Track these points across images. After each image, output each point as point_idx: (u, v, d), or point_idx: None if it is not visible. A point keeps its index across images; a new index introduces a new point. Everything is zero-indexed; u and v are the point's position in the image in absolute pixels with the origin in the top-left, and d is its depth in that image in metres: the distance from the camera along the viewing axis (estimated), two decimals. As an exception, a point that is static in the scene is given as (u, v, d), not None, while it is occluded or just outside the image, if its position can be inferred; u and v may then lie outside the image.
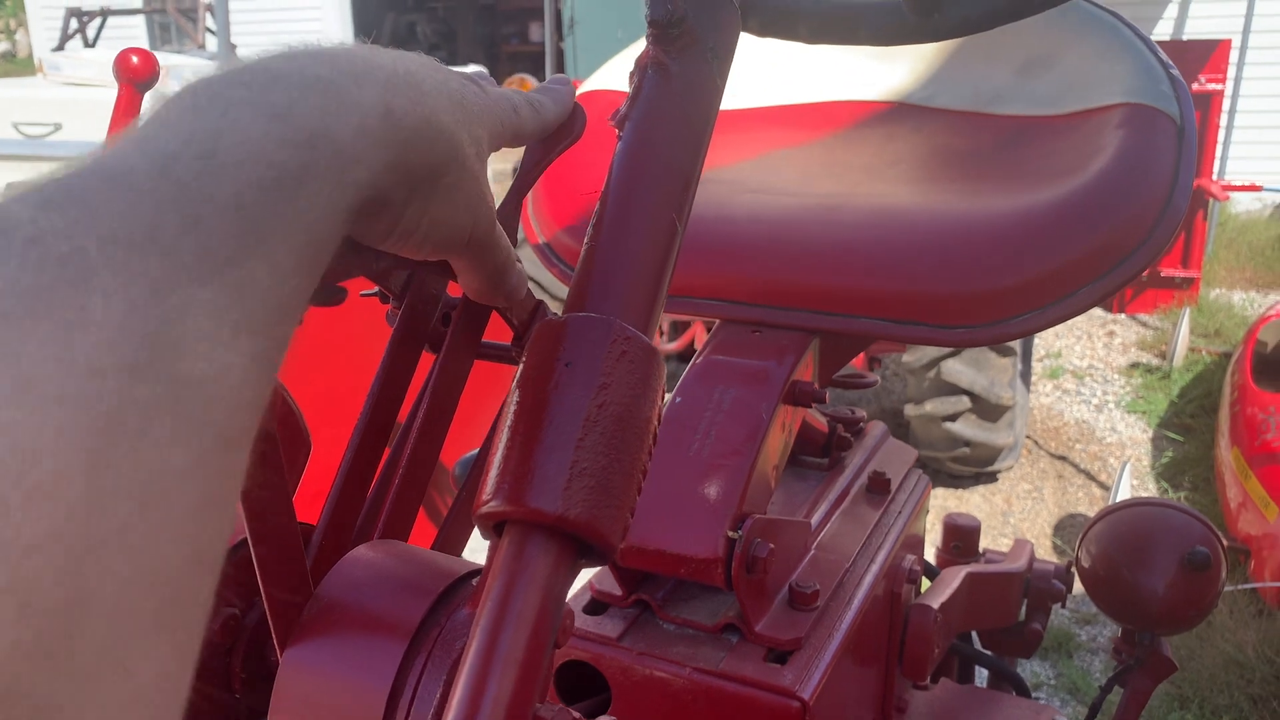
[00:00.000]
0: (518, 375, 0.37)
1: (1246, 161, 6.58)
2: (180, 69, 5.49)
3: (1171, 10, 7.12)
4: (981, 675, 1.46)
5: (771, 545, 0.75)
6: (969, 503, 3.58)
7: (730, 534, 0.75)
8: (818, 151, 1.10)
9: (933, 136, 1.08)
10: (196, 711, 0.43)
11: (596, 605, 0.82)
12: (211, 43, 7.74)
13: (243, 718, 0.45)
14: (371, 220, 0.37)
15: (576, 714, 0.38)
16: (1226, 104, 5.65)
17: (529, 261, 3.09)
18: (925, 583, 1.08)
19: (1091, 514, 3.43)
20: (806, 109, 1.17)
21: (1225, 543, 1.07)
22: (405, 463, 0.46)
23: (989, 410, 3.33)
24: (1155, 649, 1.08)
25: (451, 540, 0.49)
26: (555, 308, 0.47)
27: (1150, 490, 3.64)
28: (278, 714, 0.39)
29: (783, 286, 0.90)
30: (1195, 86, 4.93)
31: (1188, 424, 4.08)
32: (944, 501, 3.55)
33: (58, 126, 4.98)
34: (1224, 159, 6.14)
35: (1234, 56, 5.78)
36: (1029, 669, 2.70)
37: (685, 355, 3.91)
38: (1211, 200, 5.14)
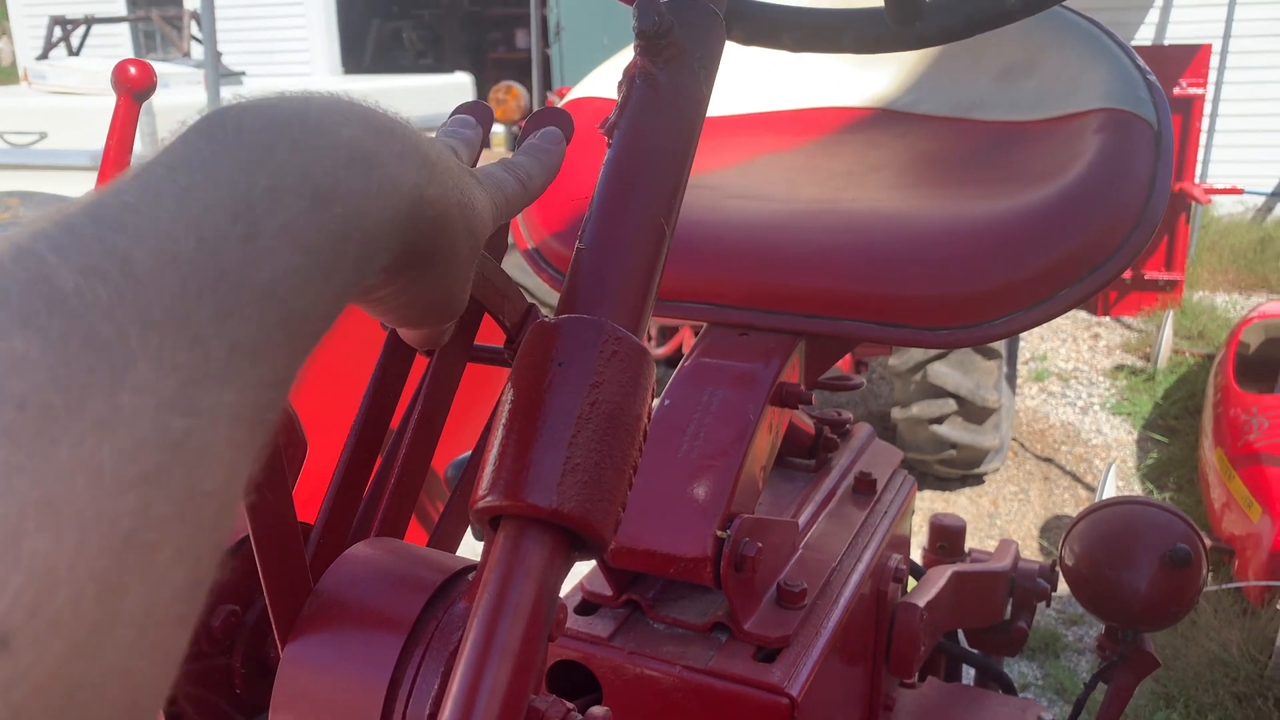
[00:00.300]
0: (512, 375, 0.38)
1: (1228, 165, 6.63)
2: (166, 77, 5.48)
3: (1153, 16, 7.19)
4: (970, 675, 1.47)
5: (759, 544, 0.77)
6: (956, 504, 3.60)
7: (718, 533, 0.76)
8: (803, 157, 1.12)
9: (916, 142, 1.10)
10: (199, 707, 0.44)
11: (587, 606, 0.83)
12: (197, 50, 7.73)
13: (244, 713, 0.46)
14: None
15: (569, 705, 0.39)
16: (1208, 108, 5.71)
17: (518, 268, 3.10)
18: (913, 582, 1.09)
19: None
20: (792, 115, 1.19)
21: (1206, 540, 1.09)
22: (400, 463, 0.47)
23: (975, 413, 3.36)
24: (1138, 645, 1.10)
25: (446, 538, 0.50)
26: (545, 312, 0.48)
27: (1135, 491, 3.67)
28: (279, 708, 0.40)
29: (768, 290, 0.92)
30: (1177, 91, 4.98)
31: (1172, 425, 4.12)
32: (931, 504, 3.57)
33: (43, 135, 4.97)
34: (1206, 162, 6.20)
35: (1215, 61, 5.84)
36: (1017, 669, 2.72)
37: (673, 360, 3.92)
38: (1194, 203, 5.18)
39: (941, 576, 1.07)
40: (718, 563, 0.75)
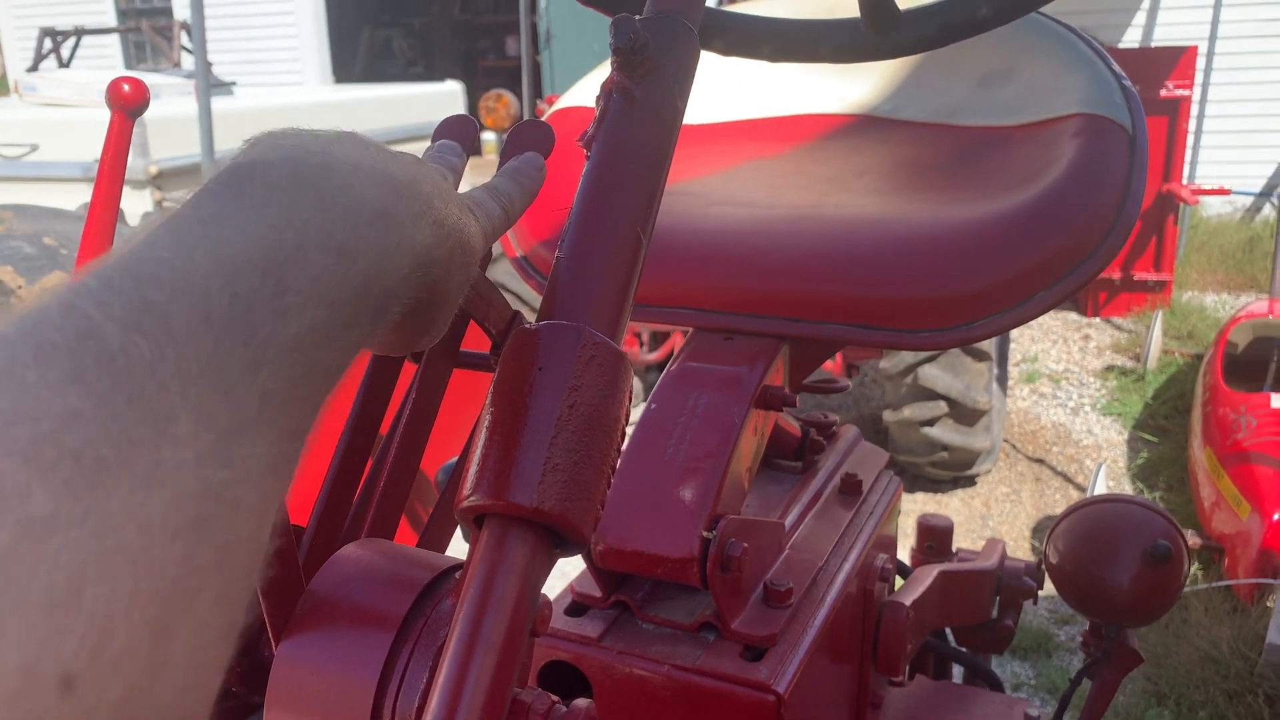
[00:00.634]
0: (495, 379, 0.40)
1: (1215, 166, 6.67)
2: (156, 88, 5.49)
3: (1140, 18, 7.23)
4: (960, 675, 1.49)
5: (745, 544, 0.78)
6: (948, 506, 3.62)
7: (704, 534, 0.77)
8: (787, 164, 1.14)
9: (898, 148, 1.11)
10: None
11: (577, 607, 0.84)
12: (187, 61, 7.74)
13: (240, 712, 0.47)
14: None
15: (554, 698, 0.41)
16: (1195, 109, 5.74)
17: (509, 274, 3.11)
18: (900, 582, 1.11)
19: (1069, 515, 3.46)
20: (776, 122, 1.20)
21: (1188, 537, 1.10)
22: (389, 466, 0.48)
23: (966, 414, 3.37)
24: (1122, 641, 1.12)
25: (435, 539, 0.51)
26: (533, 318, 0.49)
27: (1126, 491, 3.69)
28: (273, 705, 0.41)
29: (753, 295, 0.93)
30: (1164, 92, 5.02)
31: (1162, 425, 4.14)
32: (923, 505, 3.59)
33: (34, 147, 4.97)
34: (1193, 163, 6.23)
35: (1201, 63, 5.88)
36: (1009, 669, 2.73)
37: (665, 365, 3.93)
38: (1182, 204, 5.22)
39: (928, 575, 1.09)
40: (704, 563, 0.77)
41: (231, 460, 0.25)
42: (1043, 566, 1.22)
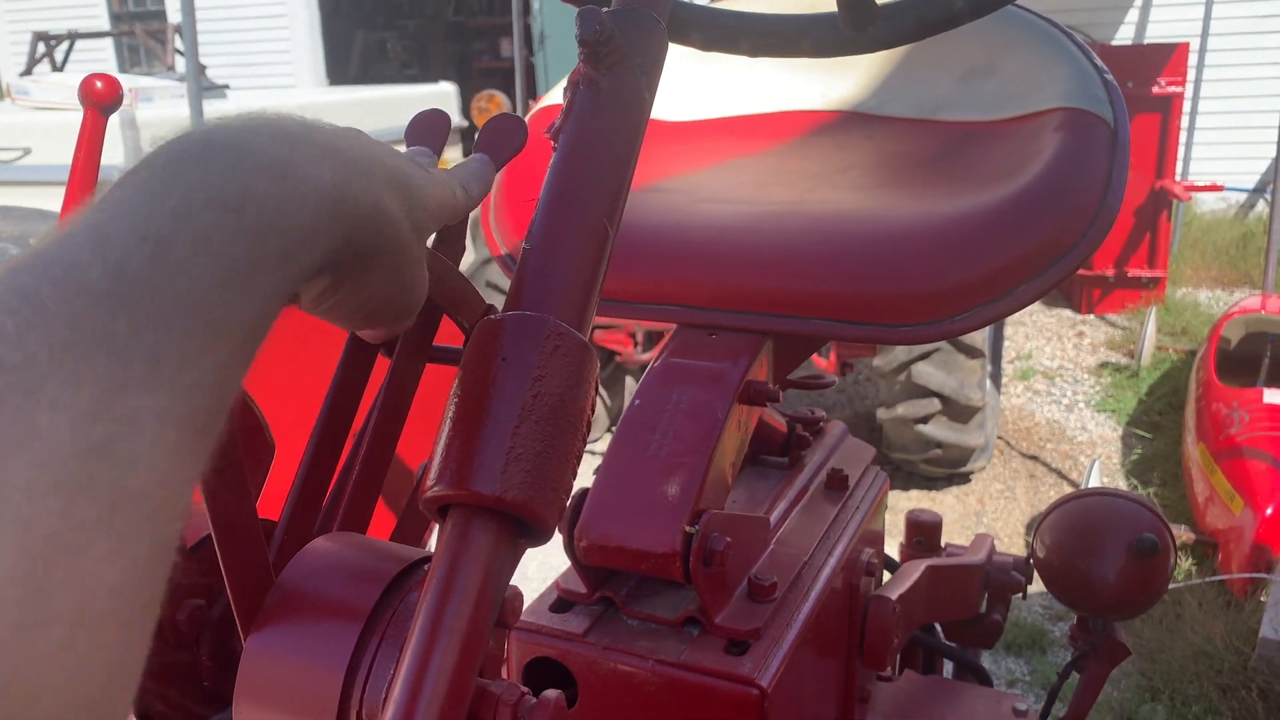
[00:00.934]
0: (459, 371, 0.40)
1: (1208, 162, 6.69)
2: (150, 91, 5.49)
3: (1132, 15, 7.25)
4: (950, 671, 1.49)
5: (728, 539, 0.78)
6: (942, 503, 3.63)
7: (687, 529, 0.77)
8: (771, 160, 1.14)
9: (882, 144, 1.12)
10: (166, 699, 0.45)
11: (562, 603, 0.84)
12: (180, 64, 7.73)
13: (213, 706, 0.47)
14: (306, 292, 0.38)
15: (525, 689, 0.41)
16: (1187, 106, 5.75)
17: (502, 276, 3.11)
18: (889, 577, 1.11)
19: (1063, 512, 3.47)
20: (760, 119, 1.21)
21: (1173, 530, 1.11)
22: (362, 461, 0.48)
23: (959, 412, 3.38)
24: (1109, 634, 1.12)
25: (409, 533, 0.51)
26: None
27: (1120, 488, 3.70)
28: (242, 697, 0.41)
29: (737, 291, 0.93)
30: (1156, 89, 5.03)
31: (1156, 421, 4.15)
32: (918, 503, 3.59)
33: (27, 151, 4.96)
34: (1186, 160, 6.25)
35: (1193, 59, 5.89)
36: (1003, 665, 2.74)
37: (660, 365, 3.93)
38: (1175, 201, 5.23)
39: (915, 570, 1.09)
40: (686, 558, 0.77)
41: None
42: (1031, 561, 1.23)
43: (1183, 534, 3.12)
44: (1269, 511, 2.79)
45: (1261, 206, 6.92)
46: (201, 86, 4.28)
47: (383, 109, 6.16)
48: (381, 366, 0.52)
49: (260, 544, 0.42)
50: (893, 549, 1.42)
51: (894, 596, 0.99)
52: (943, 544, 1.39)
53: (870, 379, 4.32)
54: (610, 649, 0.79)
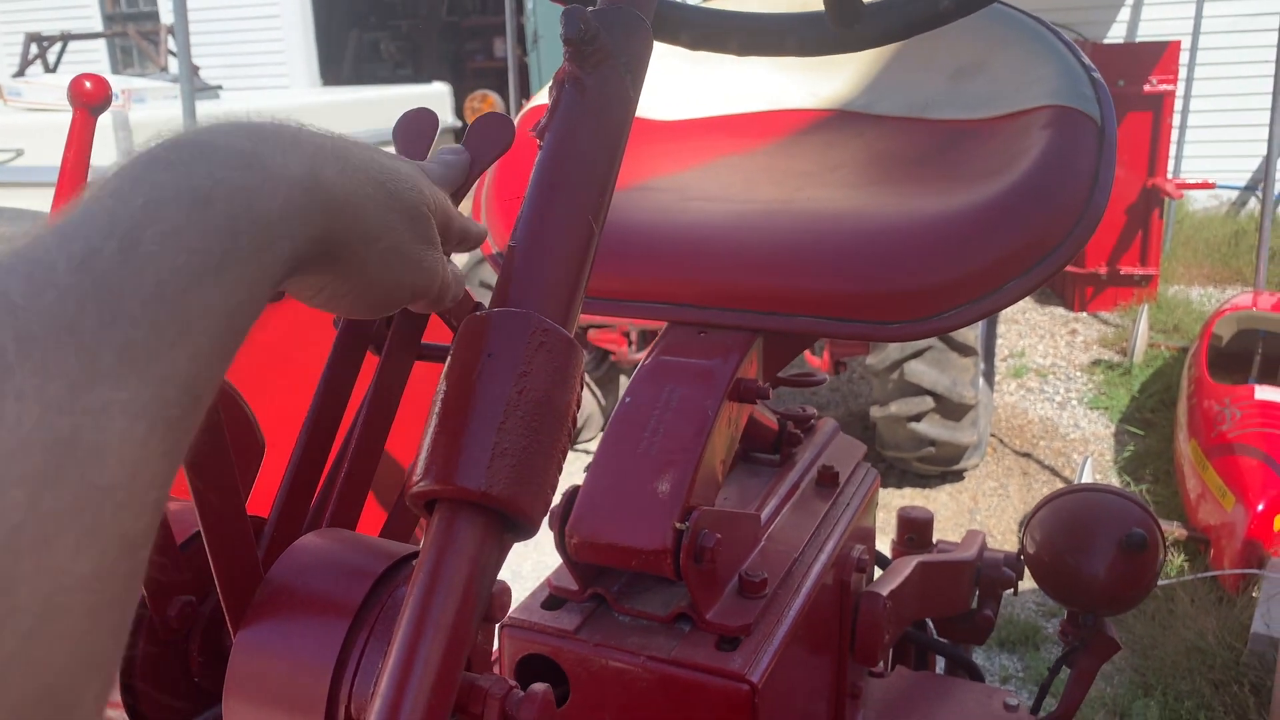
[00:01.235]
0: (445, 366, 0.40)
1: (1200, 160, 6.71)
2: (142, 92, 5.48)
3: (1124, 14, 7.26)
4: (943, 667, 1.49)
5: (718, 535, 0.78)
6: (936, 501, 3.63)
7: (678, 526, 0.78)
8: (761, 159, 1.14)
9: (872, 142, 1.12)
10: (157, 695, 0.46)
11: (554, 600, 0.85)
12: (174, 65, 7.72)
13: (204, 701, 0.47)
14: (298, 283, 0.37)
15: (513, 683, 0.41)
16: (1179, 104, 5.77)
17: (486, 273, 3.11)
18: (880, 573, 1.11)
19: (1056, 509, 3.48)
20: (751, 118, 1.21)
21: (1163, 526, 1.11)
22: (351, 457, 0.49)
23: (952, 410, 3.38)
24: (1099, 630, 1.12)
25: (398, 529, 0.52)
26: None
27: (1112, 484, 3.71)
28: (232, 692, 0.42)
29: (727, 289, 0.94)
30: (1148, 87, 5.04)
31: (1148, 418, 4.16)
32: (911, 501, 3.60)
33: (20, 152, 4.95)
34: (1178, 158, 6.26)
35: (1185, 58, 5.91)
36: (997, 662, 2.74)
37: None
38: (1167, 199, 5.24)
39: (906, 566, 1.09)
40: (677, 554, 0.77)
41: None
42: (1021, 557, 1.23)
43: (1175, 530, 3.13)
44: (1260, 508, 2.80)
45: (1253, 204, 6.94)
46: (194, 87, 4.28)
47: (376, 109, 6.16)
48: (370, 364, 0.53)
49: (249, 541, 0.43)
50: (885, 546, 1.43)
51: (885, 592, 0.99)
52: (934, 540, 1.40)
53: (864, 377, 4.33)
54: (601, 645, 0.79)
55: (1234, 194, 7.05)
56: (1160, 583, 2.88)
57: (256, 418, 0.57)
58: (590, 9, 0.48)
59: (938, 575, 1.17)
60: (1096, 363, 4.82)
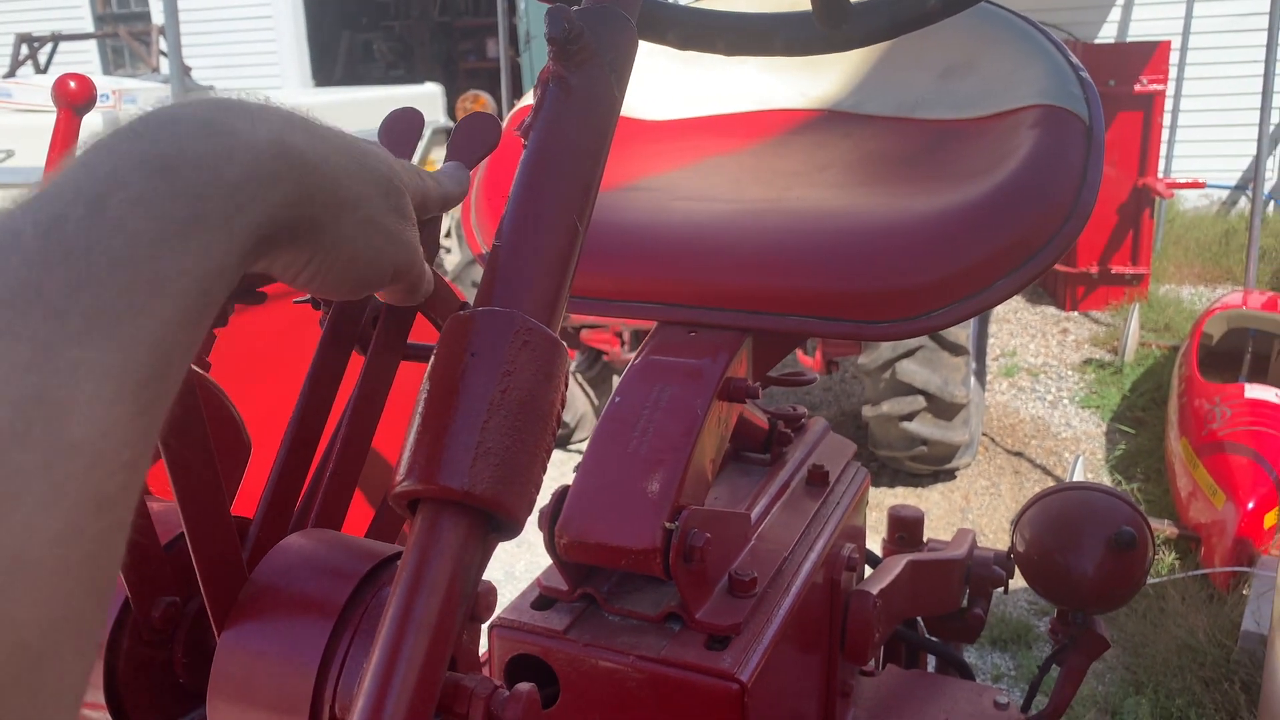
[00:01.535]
0: (429, 366, 0.40)
1: (1190, 160, 6.73)
2: (134, 93, 5.46)
3: (1115, 14, 7.28)
4: (933, 666, 1.50)
5: (708, 535, 0.78)
6: (928, 500, 3.64)
7: (667, 525, 0.78)
8: (750, 159, 1.14)
9: (861, 142, 1.12)
10: (141, 696, 0.45)
11: (544, 600, 0.85)
12: (165, 66, 7.70)
13: (188, 702, 0.47)
14: (276, 256, 0.37)
15: (498, 683, 0.41)
16: (1169, 103, 5.79)
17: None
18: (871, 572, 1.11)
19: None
20: (740, 118, 1.21)
21: (1152, 524, 1.12)
22: (336, 458, 0.48)
23: (944, 409, 3.39)
24: (1089, 627, 1.13)
25: (384, 529, 0.52)
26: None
27: (1103, 483, 3.71)
28: (216, 693, 0.41)
29: (716, 288, 0.94)
30: (1138, 87, 5.05)
31: (1139, 417, 4.17)
32: (903, 500, 3.60)
33: (10, 153, 4.94)
34: (1169, 157, 6.28)
35: (1175, 57, 5.93)
36: (989, 660, 2.75)
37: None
38: (1158, 198, 5.26)
39: (897, 565, 1.09)
40: (666, 554, 0.77)
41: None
42: (1011, 555, 1.23)
43: (1166, 529, 3.14)
44: (1251, 506, 2.81)
45: (1243, 203, 6.97)
46: (186, 88, 4.27)
47: (368, 110, 6.14)
48: (356, 365, 0.53)
49: (234, 541, 0.43)
50: (877, 546, 1.43)
51: (875, 591, 0.99)
52: (925, 539, 1.40)
53: (855, 377, 4.34)
54: (591, 645, 0.79)
55: (1224, 193, 7.07)
56: (1151, 581, 2.90)
57: (242, 418, 0.57)
58: (575, 8, 0.48)
59: (928, 574, 1.17)
60: (1088, 362, 4.83)
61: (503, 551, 3.29)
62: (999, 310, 5.39)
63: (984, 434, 4.06)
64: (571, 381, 4.06)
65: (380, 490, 0.68)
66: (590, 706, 0.80)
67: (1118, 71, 5.03)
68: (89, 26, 10.42)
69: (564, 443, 4.08)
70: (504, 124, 0.63)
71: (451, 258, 4.80)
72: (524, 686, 0.41)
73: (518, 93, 7.45)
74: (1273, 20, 4.44)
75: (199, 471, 0.41)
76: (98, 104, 0.93)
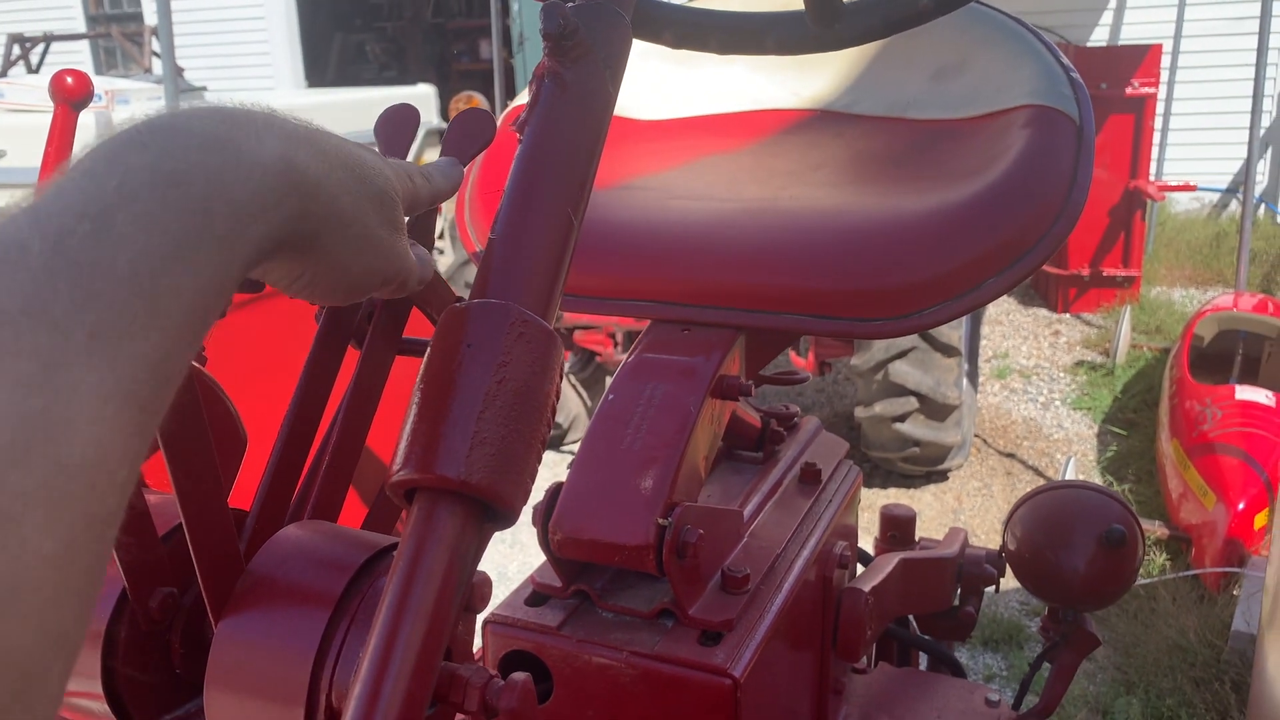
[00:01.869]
0: (425, 358, 0.40)
1: (1181, 163, 6.76)
2: (126, 93, 5.45)
3: (1107, 18, 7.31)
4: (925, 664, 1.50)
5: (701, 531, 0.79)
6: (920, 500, 3.65)
7: (660, 521, 0.78)
8: (745, 158, 1.15)
9: (854, 142, 1.13)
10: (139, 687, 0.46)
11: (538, 597, 0.85)
12: (157, 66, 7.68)
13: (185, 693, 0.47)
14: (271, 269, 0.38)
15: (493, 673, 0.41)
16: (1160, 106, 5.81)
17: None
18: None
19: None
20: (734, 118, 1.22)
21: (1143, 523, 1.12)
22: (332, 451, 0.49)
23: (936, 410, 3.40)
24: (1079, 625, 1.13)
25: (380, 523, 0.52)
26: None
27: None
28: (213, 682, 0.42)
29: (709, 287, 0.94)
30: (1130, 90, 5.07)
31: (1130, 418, 4.19)
32: (896, 500, 3.61)
33: (2, 154, 4.93)
34: (1160, 160, 6.31)
35: (1166, 61, 5.95)
36: (981, 661, 2.76)
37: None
38: (1149, 201, 5.28)
39: (889, 563, 1.10)
40: (660, 550, 0.77)
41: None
42: (1002, 553, 1.24)
43: (1157, 529, 3.15)
44: (1241, 506, 2.82)
45: (1234, 206, 7.00)
46: (179, 88, 4.26)
47: (361, 111, 6.14)
48: (352, 360, 0.53)
49: (231, 531, 0.43)
50: (869, 545, 1.44)
51: (867, 588, 1.00)
52: (917, 538, 1.40)
53: (848, 378, 4.35)
54: (585, 641, 0.79)
55: (1215, 196, 7.10)
56: (1142, 581, 2.91)
57: (239, 413, 0.58)
58: (570, 4, 0.48)
59: (920, 572, 1.18)
60: (1079, 364, 4.85)
61: (496, 553, 3.29)
62: (991, 312, 5.41)
63: (976, 435, 4.07)
64: (564, 382, 4.06)
65: (374, 488, 0.68)
66: (584, 702, 0.80)
67: (1109, 74, 5.05)
68: (81, 27, 10.39)
69: (557, 444, 4.09)
70: (498, 123, 0.63)
71: (445, 259, 4.80)
72: (519, 676, 0.41)
73: (511, 94, 7.45)
74: (1263, 24, 4.46)
75: (197, 463, 0.41)
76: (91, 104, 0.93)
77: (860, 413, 3.51)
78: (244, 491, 0.53)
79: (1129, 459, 3.86)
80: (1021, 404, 4.46)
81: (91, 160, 0.31)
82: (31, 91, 5.44)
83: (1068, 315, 5.48)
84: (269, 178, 0.34)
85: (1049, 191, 0.91)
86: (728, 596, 0.83)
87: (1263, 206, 6.91)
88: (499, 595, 0.85)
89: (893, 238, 0.91)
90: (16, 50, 7.92)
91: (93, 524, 0.26)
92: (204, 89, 6.79)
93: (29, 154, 4.79)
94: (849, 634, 0.98)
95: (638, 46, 0.62)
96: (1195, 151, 6.92)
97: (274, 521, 0.47)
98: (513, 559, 3.25)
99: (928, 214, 0.92)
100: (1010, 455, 3.99)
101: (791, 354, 3.67)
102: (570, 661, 0.79)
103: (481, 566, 0.42)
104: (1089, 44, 7.18)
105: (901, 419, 3.41)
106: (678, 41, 0.76)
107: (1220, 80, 6.93)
